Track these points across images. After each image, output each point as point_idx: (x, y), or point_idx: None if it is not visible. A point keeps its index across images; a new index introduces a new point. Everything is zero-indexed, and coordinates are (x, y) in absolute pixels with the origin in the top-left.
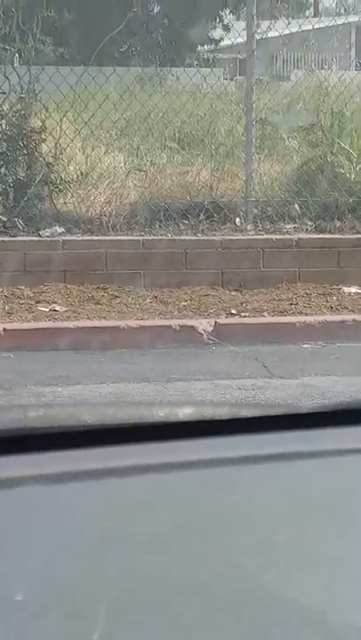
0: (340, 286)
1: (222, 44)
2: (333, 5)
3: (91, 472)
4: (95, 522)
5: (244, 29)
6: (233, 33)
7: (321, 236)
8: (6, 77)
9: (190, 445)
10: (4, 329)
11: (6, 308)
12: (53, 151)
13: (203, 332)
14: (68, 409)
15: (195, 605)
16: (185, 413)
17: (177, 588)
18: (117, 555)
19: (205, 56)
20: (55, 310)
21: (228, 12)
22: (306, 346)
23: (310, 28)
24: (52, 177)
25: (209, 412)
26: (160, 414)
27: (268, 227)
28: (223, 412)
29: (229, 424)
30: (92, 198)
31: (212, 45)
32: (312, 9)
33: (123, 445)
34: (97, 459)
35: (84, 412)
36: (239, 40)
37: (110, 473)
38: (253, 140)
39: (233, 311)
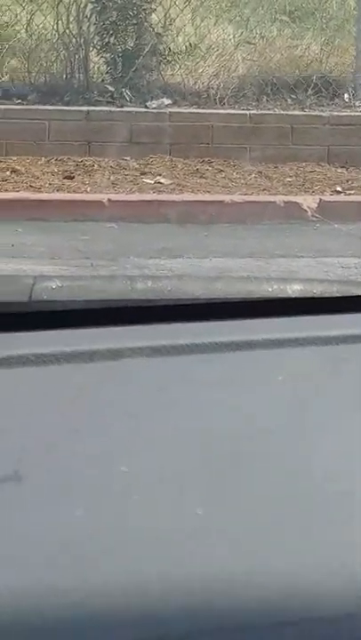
0: None
1: None
2: None
3: (196, 346)
4: (195, 394)
5: None
6: None
7: None
8: None
9: (299, 322)
10: (109, 199)
11: (111, 178)
12: (163, 21)
13: (307, 208)
14: (175, 281)
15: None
16: (294, 290)
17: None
18: (212, 424)
19: None
20: (160, 183)
21: None
22: None
23: None
24: (161, 48)
25: (318, 289)
26: (268, 290)
27: None
28: (333, 290)
29: (339, 302)
30: (200, 70)
31: None
32: None
33: (230, 320)
34: (204, 333)
35: (191, 285)
36: None
37: (217, 348)
38: None
39: (338, 188)
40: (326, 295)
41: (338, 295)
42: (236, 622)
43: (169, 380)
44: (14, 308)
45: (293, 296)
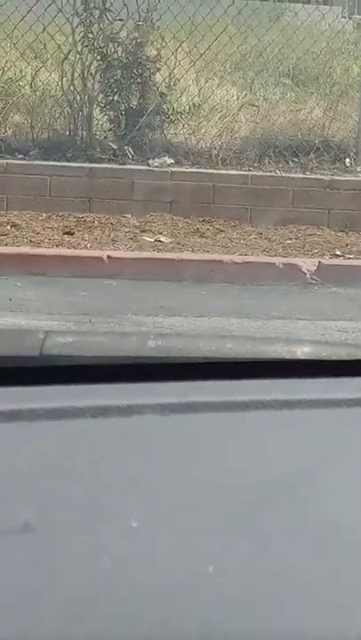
0: None
1: None
2: None
3: (207, 405)
4: (204, 452)
5: None
6: None
7: None
8: (125, 4)
9: (308, 384)
10: (109, 256)
11: (111, 235)
12: (167, 81)
13: (306, 271)
14: (187, 339)
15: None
16: (303, 351)
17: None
18: (220, 480)
19: None
20: (160, 241)
21: None
22: None
23: None
24: (165, 107)
25: (328, 352)
26: (278, 351)
27: None
28: (342, 353)
29: (347, 365)
30: (202, 131)
31: None
32: None
33: (240, 380)
34: (214, 392)
35: (202, 344)
36: None
37: (226, 407)
38: None
39: (338, 252)
40: (335, 358)
41: (348, 358)
42: None
43: (178, 437)
44: (25, 362)
45: (303, 358)
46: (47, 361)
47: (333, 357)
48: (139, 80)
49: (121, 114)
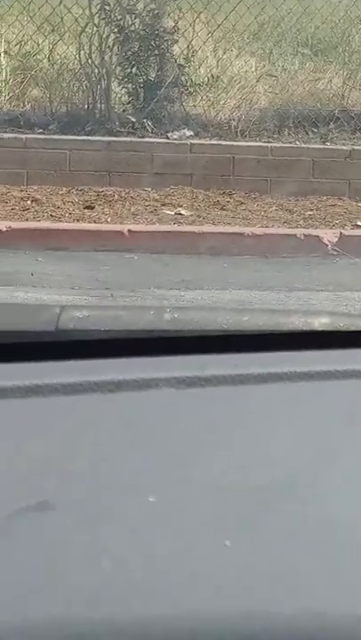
0: None
1: None
2: None
3: (223, 378)
4: (222, 426)
5: None
6: None
7: None
8: None
9: (326, 356)
10: (129, 230)
11: (132, 209)
12: (185, 53)
13: (327, 242)
14: (203, 312)
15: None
16: (321, 323)
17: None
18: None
19: None
20: (180, 214)
21: None
22: None
23: None
24: (183, 79)
25: (345, 323)
26: (295, 322)
27: None
28: (359, 324)
29: None
30: (221, 102)
31: None
32: None
33: (257, 353)
34: (230, 365)
35: (219, 317)
36: None
37: (243, 380)
38: None
39: (359, 223)
40: (353, 329)
41: None
42: None
43: (195, 411)
44: (41, 337)
45: (320, 329)
46: (63, 336)
47: (352, 328)
48: (156, 52)
49: (139, 86)
